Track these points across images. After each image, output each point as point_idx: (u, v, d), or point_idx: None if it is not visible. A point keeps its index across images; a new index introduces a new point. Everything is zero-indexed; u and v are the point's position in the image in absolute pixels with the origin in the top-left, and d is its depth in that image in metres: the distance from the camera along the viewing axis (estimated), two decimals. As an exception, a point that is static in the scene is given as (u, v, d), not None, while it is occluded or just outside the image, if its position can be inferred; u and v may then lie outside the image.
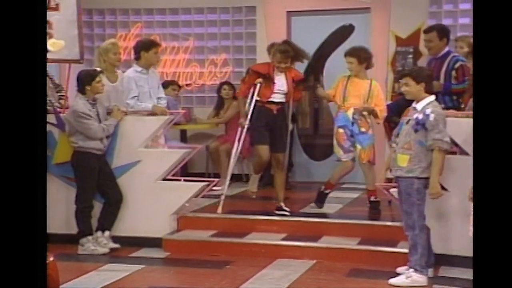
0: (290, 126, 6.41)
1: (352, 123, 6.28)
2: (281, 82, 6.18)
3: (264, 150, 6.19)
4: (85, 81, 5.98)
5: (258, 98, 6.20)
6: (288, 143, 6.62)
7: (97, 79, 5.96)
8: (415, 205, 4.91)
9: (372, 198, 6.42)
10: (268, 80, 6.17)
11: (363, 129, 6.26)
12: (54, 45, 6.02)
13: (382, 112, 6.28)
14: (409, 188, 4.92)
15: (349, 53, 6.32)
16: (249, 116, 6.25)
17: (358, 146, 6.28)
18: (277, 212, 6.24)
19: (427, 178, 4.90)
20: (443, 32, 6.26)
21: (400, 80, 5.13)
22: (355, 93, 6.29)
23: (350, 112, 6.27)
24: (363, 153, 6.27)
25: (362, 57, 6.25)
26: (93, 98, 6.02)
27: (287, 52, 6.14)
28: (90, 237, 6.00)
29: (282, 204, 6.31)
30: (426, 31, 6.35)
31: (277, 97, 6.20)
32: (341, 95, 6.34)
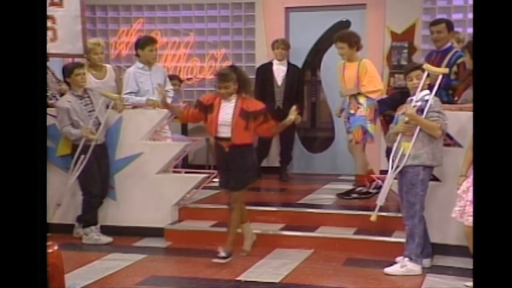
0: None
1: (347, 106, 6.49)
2: (225, 113, 5.29)
3: (225, 196, 5.53)
4: (65, 74, 6.07)
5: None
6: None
7: (75, 71, 5.98)
8: (418, 195, 5.00)
9: (359, 187, 6.56)
10: (212, 111, 5.31)
11: (352, 111, 6.43)
12: None
13: (371, 89, 6.31)
14: (414, 179, 5.00)
15: (339, 39, 6.39)
16: None
17: (350, 128, 6.45)
18: (213, 260, 5.31)
19: (431, 168, 5.02)
20: (450, 25, 6.29)
21: (413, 72, 5.17)
22: (349, 77, 6.43)
23: (348, 97, 6.47)
24: (351, 134, 6.44)
25: (352, 41, 6.34)
26: (83, 91, 6.05)
27: (226, 75, 5.30)
28: (93, 227, 6.13)
29: (221, 249, 5.33)
30: (435, 23, 6.34)
31: (225, 131, 5.28)
32: (342, 81, 6.52)
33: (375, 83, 6.36)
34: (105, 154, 6.25)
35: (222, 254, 5.31)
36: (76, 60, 6.79)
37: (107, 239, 6.12)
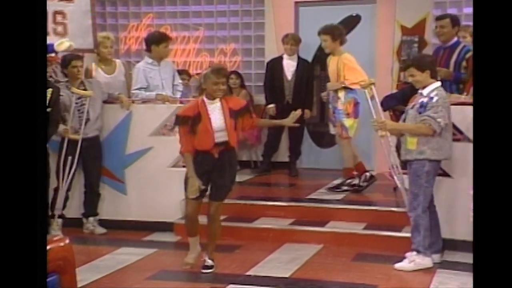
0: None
1: (332, 99, 6.66)
2: (217, 117, 4.84)
3: (191, 206, 4.99)
4: (62, 65, 6.05)
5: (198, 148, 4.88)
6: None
7: (72, 63, 5.95)
8: (422, 187, 5.00)
9: (349, 180, 6.70)
10: (201, 121, 4.79)
11: (335, 104, 6.57)
12: (60, 45, 6.08)
13: (353, 80, 6.37)
14: (419, 171, 4.99)
15: (323, 31, 6.57)
16: None
17: (336, 122, 6.60)
18: (203, 271, 5.05)
19: (437, 161, 5.01)
20: (455, 20, 6.29)
21: (405, 71, 5.22)
22: (331, 71, 6.60)
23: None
24: (337, 128, 6.57)
25: (335, 34, 6.49)
26: (79, 83, 6.00)
27: (225, 69, 4.99)
28: (58, 220, 6.07)
29: (207, 258, 5.09)
30: (440, 18, 6.37)
31: (221, 136, 4.85)
32: (329, 75, 6.70)
33: (356, 74, 6.43)
34: (96, 147, 6.22)
35: (210, 262, 5.07)
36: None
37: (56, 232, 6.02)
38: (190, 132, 4.82)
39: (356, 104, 6.49)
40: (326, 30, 6.54)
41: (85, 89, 6.05)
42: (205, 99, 4.86)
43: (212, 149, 4.84)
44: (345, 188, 6.70)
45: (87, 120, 6.08)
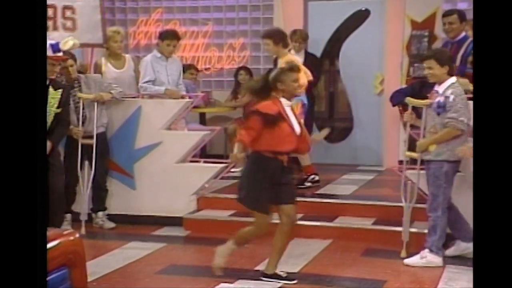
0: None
1: None
2: (293, 120, 4.58)
3: (266, 221, 4.64)
4: None
5: (267, 149, 4.51)
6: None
7: (61, 64, 5.83)
8: (441, 188, 4.98)
9: (311, 175, 6.86)
10: (282, 120, 4.49)
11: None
12: (65, 44, 6.04)
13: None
14: (438, 171, 4.97)
15: (264, 35, 6.53)
16: None
17: None
18: (263, 279, 4.78)
19: (456, 162, 4.98)
20: (463, 15, 6.29)
21: (423, 64, 5.10)
22: None
23: None
24: None
25: (276, 37, 6.42)
26: (73, 81, 5.97)
27: (298, 66, 4.81)
28: (67, 215, 6.02)
29: (277, 270, 4.78)
30: (447, 14, 6.36)
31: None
32: None
33: None
34: (103, 144, 6.20)
35: (283, 274, 4.80)
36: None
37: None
38: (261, 129, 4.46)
39: (303, 105, 6.48)
40: (267, 35, 6.50)
41: (80, 87, 6.00)
42: (282, 99, 4.56)
43: (283, 156, 4.55)
44: (309, 184, 6.82)
45: (85, 118, 6.04)
